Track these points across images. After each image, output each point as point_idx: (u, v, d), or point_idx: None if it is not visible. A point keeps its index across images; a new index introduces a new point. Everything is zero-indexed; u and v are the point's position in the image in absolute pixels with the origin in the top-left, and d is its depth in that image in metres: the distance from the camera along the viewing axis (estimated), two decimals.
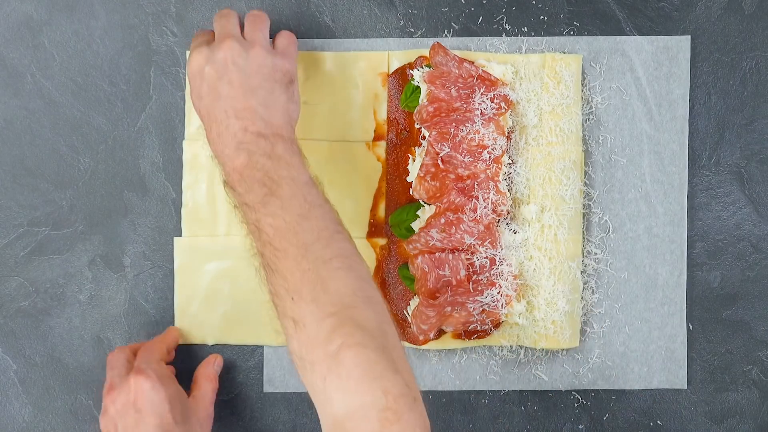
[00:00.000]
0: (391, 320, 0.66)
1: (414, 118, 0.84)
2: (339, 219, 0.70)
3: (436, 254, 0.83)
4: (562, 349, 0.86)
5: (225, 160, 0.71)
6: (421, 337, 0.84)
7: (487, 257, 0.83)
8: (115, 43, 0.86)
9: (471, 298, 0.82)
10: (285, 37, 0.78)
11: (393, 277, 0.87)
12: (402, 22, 0.86)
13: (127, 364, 0.78)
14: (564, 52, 0.86)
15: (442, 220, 0.82)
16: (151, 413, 0.73)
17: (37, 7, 0.86)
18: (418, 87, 0.84)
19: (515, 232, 0.85)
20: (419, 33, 0.86)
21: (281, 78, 0.74)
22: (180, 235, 0.86)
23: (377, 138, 0.87)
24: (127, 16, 0.86)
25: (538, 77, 0.85)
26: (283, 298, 0.65)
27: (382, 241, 0.87)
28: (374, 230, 0.87)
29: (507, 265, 0.84)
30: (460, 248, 0.83)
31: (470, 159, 0.83)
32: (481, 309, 0.83)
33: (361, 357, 0.60)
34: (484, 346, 0.86)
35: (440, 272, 0.83)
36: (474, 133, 0.83)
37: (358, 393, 0.60)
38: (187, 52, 0.86)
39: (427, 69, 0.84)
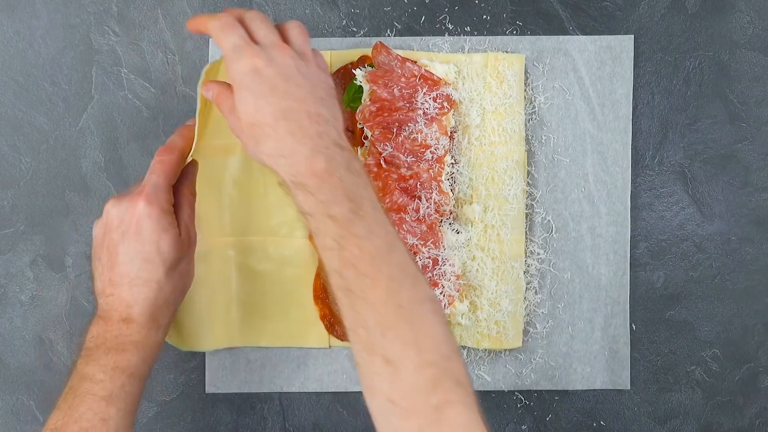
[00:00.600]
0: None
1: (356, 117, 0.84)
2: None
3: None
4: (505, 350, 0.86)
5: (299, 159, 0.64)
6: None
7: (429, 257, 0.83)
8: (56, 42, 0.86)
9: None
10: (322, 57, 0.72)
11: None
12: (344, 22, 0.86)
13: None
14: (507, 52, 0.86)
15: None
16: (136, 240, 0.72)
17: None
18: (360, 87, 0.84)
19: (458, 232, 0.85)
20: (362, 32, 0.86)
21: (335, 95, 0.70)
22: None
23: None
24: (68, 16, 0.86)
25: (481, 77, 0.85)
26: (372, 331, 0.60)
27: None
28: None
29: (450, 265, 0.83)
30: None
31: (413, 159, 0.83)
32: None
33: (464, 417, 0.58)
34: None
35: None
36: (417, 133, 0.82)
37: None
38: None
39: (369, 68, 0.84)
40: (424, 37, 0.86)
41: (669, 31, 0.86)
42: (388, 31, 0.86)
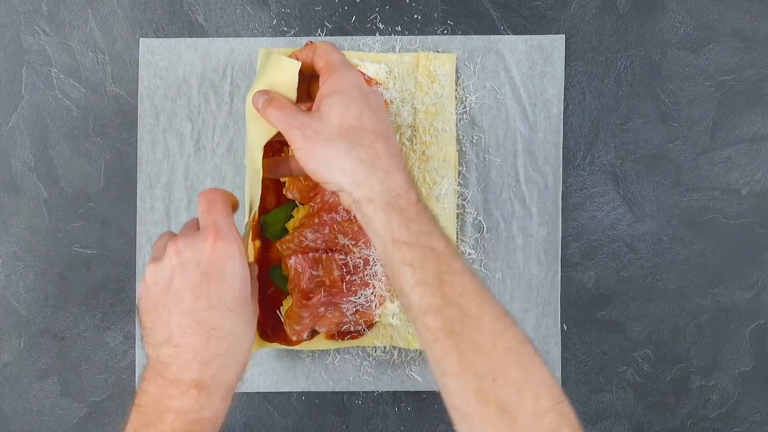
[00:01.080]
0: None
1: None
2: None
3: (310, 254, 0.82)
4: None
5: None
6: (294, 338, 0.83)
7: (360, 257, 0.83)
8: None
9: (344, 299, 0.82)
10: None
11: (265, 279, 0.86)
12: (275, 21, 0.86)
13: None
14: (438, 51, 0.86)
15: (316, 220, 0.82)
16: (219, 284, 0.62)
17: None
18: None
19: None
20: (292, 32, 0.86)
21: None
22: (52, 235, 0.85)
23: None
24: None
25: (412, 76, 0.85)
26: (483, 378, 0.57)
27: (257, 243, 0.86)
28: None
29: (381, 265, 0.83)
30: (334, 248, 0.82)
31: None
32: (354, 309, 0.82)
33: None
34: (358, 346, 0.86)
35: (314, 272, 0.82)
36: None
37: None
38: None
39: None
40: (354, 37, 0.85)
41: (600, 31, 0.86)
42: (319, 31, 0.86)
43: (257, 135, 0.73)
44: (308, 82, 0.73)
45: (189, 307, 0.62)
